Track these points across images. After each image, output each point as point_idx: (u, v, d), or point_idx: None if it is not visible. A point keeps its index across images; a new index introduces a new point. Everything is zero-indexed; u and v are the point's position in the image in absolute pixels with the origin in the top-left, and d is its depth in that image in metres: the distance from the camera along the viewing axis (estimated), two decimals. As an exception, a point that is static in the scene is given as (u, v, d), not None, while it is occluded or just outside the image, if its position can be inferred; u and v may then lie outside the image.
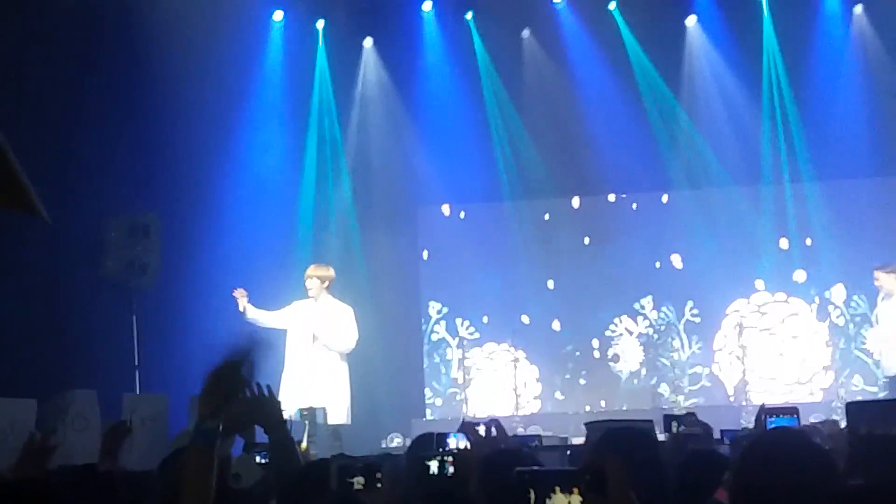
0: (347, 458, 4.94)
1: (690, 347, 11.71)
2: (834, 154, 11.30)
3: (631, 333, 11.78)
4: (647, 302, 11.80)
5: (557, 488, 1.89)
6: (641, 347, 11.77)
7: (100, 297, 10.06)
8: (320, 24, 11.76)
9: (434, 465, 3.26)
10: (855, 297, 11.35)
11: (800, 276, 11.57)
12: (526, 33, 11.94)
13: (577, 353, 11.78)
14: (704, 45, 11.76)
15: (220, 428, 2.46)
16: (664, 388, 11.57)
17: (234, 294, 9.41)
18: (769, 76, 11.58)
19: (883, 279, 10.01)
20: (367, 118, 12.00)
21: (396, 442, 10.20)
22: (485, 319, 11.96)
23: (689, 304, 11.69)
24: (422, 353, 12.01)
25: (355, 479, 3.62)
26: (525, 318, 11.88)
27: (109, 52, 10.54)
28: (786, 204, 11.60)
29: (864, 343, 11.16)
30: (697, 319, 11.68)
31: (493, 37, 11.79)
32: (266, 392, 3.74)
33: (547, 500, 1.90)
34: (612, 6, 11.64)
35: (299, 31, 11.73)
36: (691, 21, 11.80)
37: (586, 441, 5.66)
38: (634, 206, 11.97)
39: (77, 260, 9.98)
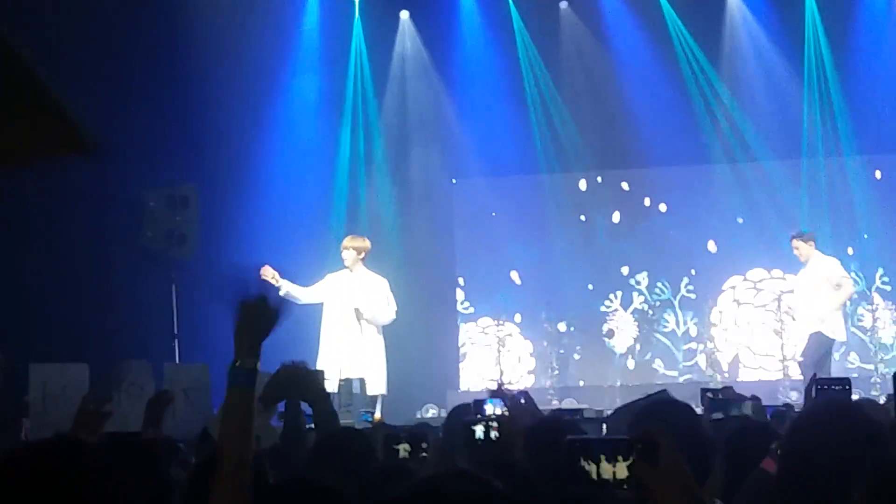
0: (392, 427, 5.01)
1: (685, 324, 11.65)
2: (875, 128, 11.19)
3: (626, 309, 11.74)
4: (643, 277, 11.75)
5: (603, 457, 1.91)
6: (636, 323, 11.72)
7: (140, 267, 10.18)
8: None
9: (479, 431, 3.30)
10: (852, 274, 11.29)
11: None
12: (564, 5, 11.87)
13: (572, 329, 11.76)
14: (745, 18, 11.63)
15: (258, 367, 2.39)
16: (658, 364, 11.54)
17: (263, 275, 9.38)
18: (810, 50, 11.44)
19: (802, 248, 9.89)
20: (404, 90, 12.00)
21: (431, 413, 10.26)
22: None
23: (685, 280, 11.63)
24: (456, 325, 12.06)
25: (401, 447, 3.67)
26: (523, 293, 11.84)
27: (150, 25, 10.60)
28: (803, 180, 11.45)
29: (860, 320, 11.09)
30: (693, 296, 11.63)
31: (530, 9, 11.73)
32: (305, 366, 3.77)
33: (597, 468, 1.92)
34: (652, -23, 11.55)
35: (336, 3, 11.73)
36: (733, -5, 11.68)
37: (616, 413, 5.68)
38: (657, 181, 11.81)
39: (118, 231, 10.09)
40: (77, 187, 9.15)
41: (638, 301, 11.79)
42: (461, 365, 11.80)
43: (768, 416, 5.15)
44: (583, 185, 12.02)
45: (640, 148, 11.60)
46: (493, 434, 3.33)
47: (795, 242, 9.87)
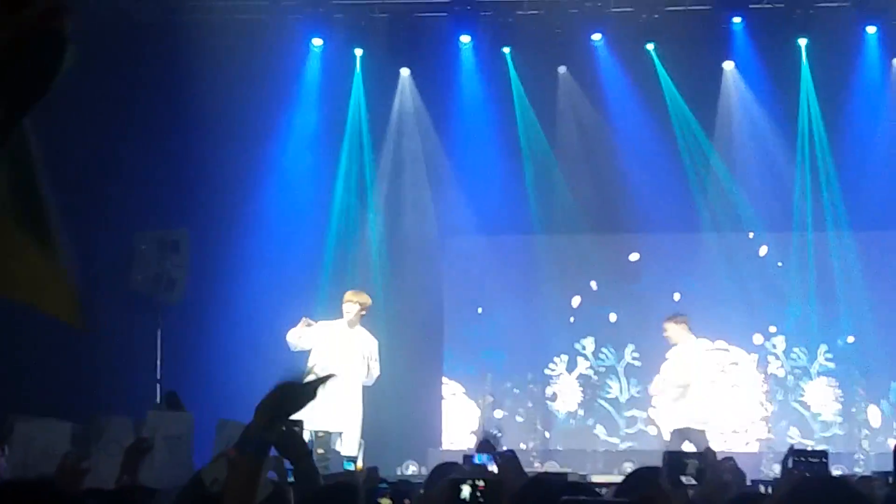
0: (374, 477, 4.93)
1: (629, 390, 11.62)
2: (866, 206, 11.28)
3: (570, 373, 11.72)
4: (589, 342, 11.75)
5: None
6: (580, 388, 11.68)
7: (127, 311, 10.11)
8: (358, 52, 11.84)
9: (466, 490, 3.23)
10: (795, 349, 11.31)
11: (742, 326, 11.51)
12: (562, 69, 11.98)
13: (516, 391, 11.73)
14: (741, 90, 11.76)
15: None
16: (600, 430, 11.48)
17: (302, 325, 9.37)
18: (805, 125, 11.56)
19: (671, 330, 9.93)
20: (401, 146, 12.05)
21: (412, 469, 10.16)
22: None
23: (631, 347, 11.65)
24: (440, 383, 11.98)
25: (382, 501, 3.61)
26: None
27: (151, 71, 10.67)
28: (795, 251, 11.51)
29: (801, 395, 11.15)
30: (638, 363, 11.63)
31: (529, 72, 11.83)
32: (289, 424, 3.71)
33: None
34: (649, 46, 11.66)
35: (337, 59, 11.80)
36: (729, 65, 11.81)
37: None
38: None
39: (107, 273, 10.04)
40: (64, 226, 9.10)
41: (583, 366, 11.77)
42: (443, 423, 11.69)
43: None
44: (567, 246, 12.03)
45: (631, 213, 11.64)
46: (479, 493, 3.28)
47: (666, 325, 9.87)
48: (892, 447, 2.13)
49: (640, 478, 3.86)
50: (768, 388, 11.52)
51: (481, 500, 3.22)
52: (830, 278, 11.43)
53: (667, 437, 10.25)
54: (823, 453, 3.85)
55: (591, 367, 11.83)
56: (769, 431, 11.34)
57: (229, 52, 10.85)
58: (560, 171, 11.86)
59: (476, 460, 5.09)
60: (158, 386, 10.02)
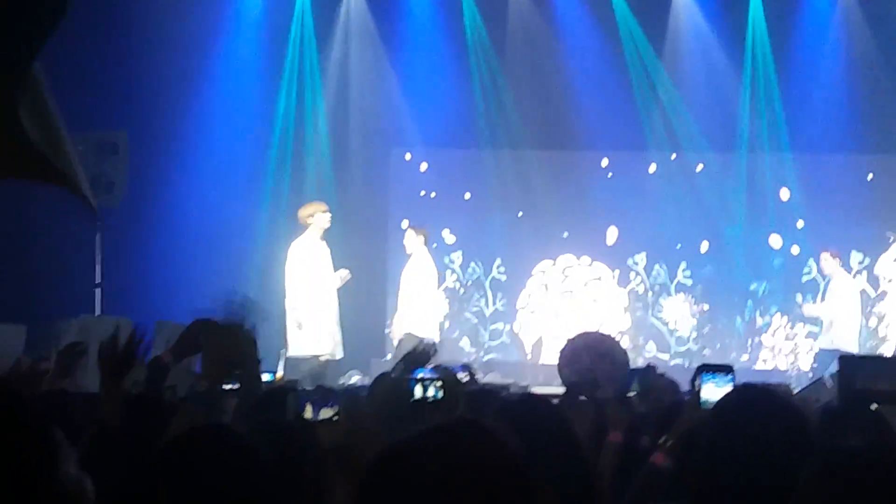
0: (298, 388, 4.92)
1: (494, 304, 11.75)
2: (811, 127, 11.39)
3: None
4: (457, 256, 11.85)
5: None
6: (447, 301, 11.80)
7: (65, 214, 9.91)
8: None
9: (419, 390, 3.21)
10: (656, 266, 11.52)
11: (610, 239, 11.73)
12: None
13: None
14: (690, 10, 11.71)
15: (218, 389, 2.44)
16: (465, 342, 11.63)
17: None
18: (751, 45, 11.57)
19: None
20: (348, 56, 11.82)
21: (355, 379, 10.19)
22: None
23: (497, 260, 11.78)
24: (384, 293, 11.99)
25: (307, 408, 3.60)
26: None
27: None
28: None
29: (660, 311, 11.41)
30: (503, 277, 11.78)
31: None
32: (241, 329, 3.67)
33: None
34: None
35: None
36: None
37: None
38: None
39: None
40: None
41: (451, 279, 11.86)
42: (387, 335, 11.72)
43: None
44: (508, 161, 12.00)
45: (578, 131, 11.63)
46: (439, 394, 3.25)
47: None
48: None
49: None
50: (628, 304, 11.73)
51: (438, 398, 3.18)
52: (759, 198, 11.56)
53: (528, 349, 10.66)
54: (729, 367, 3.87)
55: (458, 281, 11.87)
56: (629, 344, 11.58)
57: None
58: (509, 88, 11.77)
59: (419, 372, 5.07)
60: (99, 290, 9.87)
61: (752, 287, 11.57)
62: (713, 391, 2.83)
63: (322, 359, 9.33)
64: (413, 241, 9.82)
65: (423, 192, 12.08)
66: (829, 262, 10.29)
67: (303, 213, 9.54)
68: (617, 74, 11.62)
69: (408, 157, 12.14)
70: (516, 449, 1.53)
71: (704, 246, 11.73)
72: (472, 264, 11.90)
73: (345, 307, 10.94)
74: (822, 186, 11.65)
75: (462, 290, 11.83)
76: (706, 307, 11.69)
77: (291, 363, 9.14)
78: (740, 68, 11.61)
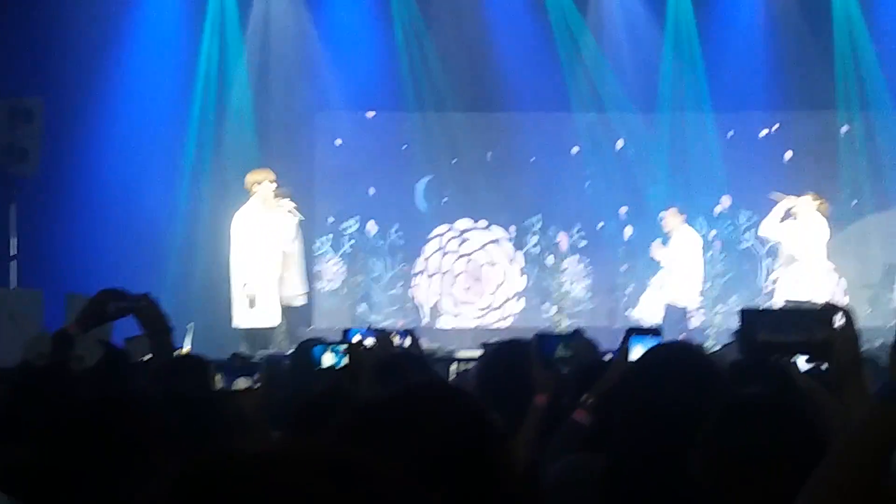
0: (239, 357, 4.88)
1: (393, 268, 11.88)
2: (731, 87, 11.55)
3: (336, 252, 11.85)
4: (354, 221, 11.89)
5: None
6: (345, 266, 11.84)
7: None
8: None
9: (328, 358, 3.22)
10: (552, 228, 11.68)
11: (501, 204, 11.83)
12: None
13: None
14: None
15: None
16: (364, 307, 11.75)
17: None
18: (675, 5, 11.67)
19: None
20: (269, 18, 11.64)
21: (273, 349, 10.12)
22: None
23: (395, 225, 11.84)
24: (311, 261, 11.91)
25: (217, 377, 3.58)
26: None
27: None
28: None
29: (558, 273, 11.67)
30: (402, 241, 11.89)
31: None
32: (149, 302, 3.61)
33: None
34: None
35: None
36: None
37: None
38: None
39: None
40: None
41: (348, 245, 11.91)
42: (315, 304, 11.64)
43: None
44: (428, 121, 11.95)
45: (503, 92, 11.65)
46: (342, 360, 3.27)
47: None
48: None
49: (510, 352, 3.86)
50: (523, 266, 11.88)
51: (340, 366, 3.20)
52: (681, 158, 11.73)
53: (426, 313, 10.80)
54: (657, 330, 3.92)
55: (354, 246, 11.86)
56: (525, 305, 11.74)
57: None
58: (434, 48, 11.71)
59: (352, 334, 5.03)
60: (15, 262, 9.65)
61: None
62: (641, 353, 2.87)
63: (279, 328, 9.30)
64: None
65: (340, 158, 11.98)
66: (673, 218, 10.40)
67: (249, 179, 9.39)
68: (542, 35, 11.63)
69: (321, 118, 12.01)
70: (476, 405, 1.58)
71: (623, 210, 11.82)
72: (368, 226, 11.83)
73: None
74: (739, 145, 11.86)
75: (359, 256, 11.73)
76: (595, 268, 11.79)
77: (248, 335, 9.08)
78: (662, 28, 11.71)
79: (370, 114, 11.98)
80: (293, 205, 9.49)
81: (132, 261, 9.61)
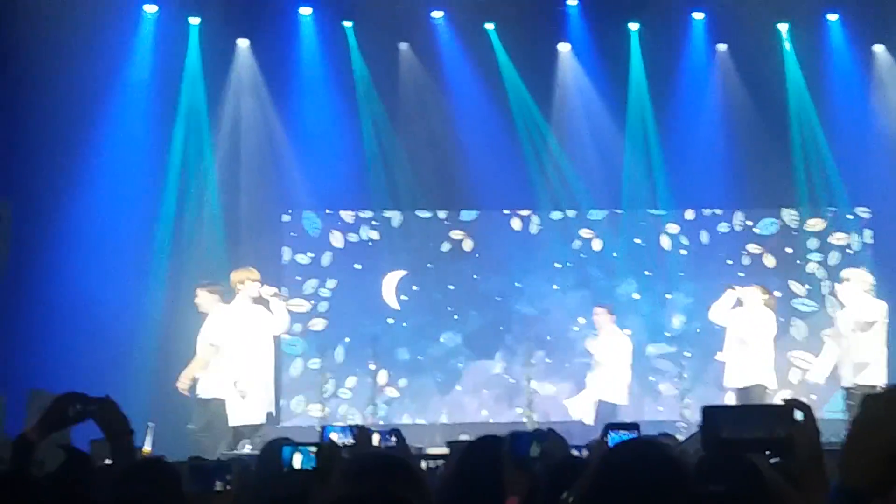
0: (199, 458, 4.81)
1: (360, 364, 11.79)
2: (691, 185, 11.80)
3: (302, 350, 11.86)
4: (320, 321, 11.91)
5: None
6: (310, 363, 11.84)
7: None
8: (195, 20, 11.50)
9: (298, 460, 3.19)
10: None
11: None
12: (404, 46, 11.98)
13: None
14: (575, 72, 12.06)
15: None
16: (331, 404, 11.61)
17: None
18: (635, 107, 11.96)
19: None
20: (239, 120, 11.78)
21: (248, 448, 10.00)
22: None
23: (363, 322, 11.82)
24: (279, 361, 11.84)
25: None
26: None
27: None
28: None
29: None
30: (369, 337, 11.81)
31: (370, 47, 11.78)
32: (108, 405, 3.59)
33: None
34: (489, 26, 11.81)
35: (172, 27, 11.43)
36: (564, 47, 12.09)
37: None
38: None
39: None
40: None
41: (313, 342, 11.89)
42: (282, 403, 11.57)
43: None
44: (396, 221, 12.09)
45: (470, 190, 11.81)
46: (311, 462, 3.23)
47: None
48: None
49: (482, 452, 3.82)
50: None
51: (309, 467, 3.16)
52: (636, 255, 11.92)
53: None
54: (636, 425, 3.95)
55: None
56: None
57: (58, 16, 10.37)
58: (401, 148, 11.88)
59: (329, 432, 4.97)
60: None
61: None
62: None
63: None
64: (208, 300, 9.51)
65: (309, 254, 12.04)
66: (601, 316, 10.63)
67: (234, 278, 9.43)
68: (506, 134, 11.86)
69: (289, 218, 12.07)
70: None
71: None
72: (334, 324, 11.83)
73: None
74: (698, 241, 12.07)
75: (327, 353, 11.66)
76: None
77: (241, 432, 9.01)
78: (623, 127, 11.98)
79: (341, 213, 12.08)
80: (274, 290, 9.56)
81: (96, 361, 9.55)
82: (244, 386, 9.16)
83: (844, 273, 9.92)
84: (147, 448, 7.71)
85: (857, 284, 9.63)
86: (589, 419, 10.51)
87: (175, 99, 11.44)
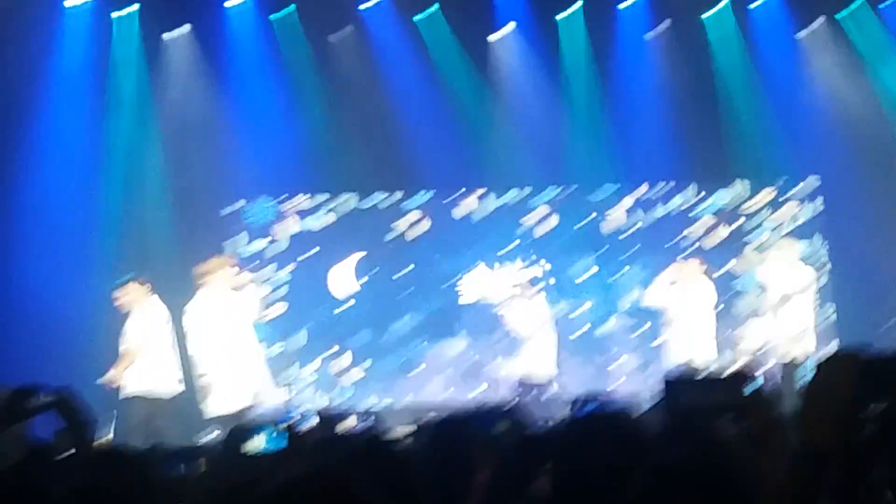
0: (164, 446, 4.80)
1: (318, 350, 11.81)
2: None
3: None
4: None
5: None
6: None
7: None
8: (131, 7, 11.29)
9: (266, 441, 3.18)
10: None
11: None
12: (348, 30, 11.89)
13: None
14: (521, 48, 12.05)
15: None
16: (291, 388, 11.61)
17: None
18: (581, 81, 11.99)
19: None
20: (174, 109, 11.58)
21: (217, 433, 9.95)
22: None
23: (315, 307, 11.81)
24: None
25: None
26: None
27: None
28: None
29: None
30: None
31: (305, 33, 11.69)
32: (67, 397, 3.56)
33: None
34: (430, 5, 11.78)
35: (100, 18, 11.22)
36: (508, 25, 12.06)
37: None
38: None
39: None
40: None
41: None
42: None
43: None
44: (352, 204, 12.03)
45: (425, 172, 11.80)
46: (282, 442, 3.24)
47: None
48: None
49: (449, 430, 3.84)
50: None
51: (279, 448, 3.16)
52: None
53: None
54: (605, 397, 3.99)
55: None
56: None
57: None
58: (356, 132, 11.82)
59: (291, 416, 4.96)
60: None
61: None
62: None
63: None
64: (138, 293, 9.24)
65: (266, 240, 11.97)
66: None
67: (210, 265, 9.28)
68: (457, 114, 11.84)
69: (245, 204, 11.99)
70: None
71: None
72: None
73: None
74: (652, 215, 12.16)
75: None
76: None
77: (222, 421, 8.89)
78: (571, 103, 12.01)
79: (297, 197, 12.02)
80: (250, 276, 9.50)
81: (54, 352, 9.44)
82: (221, 375, 9.03)
83: (774, 244, 9.97)
84: (109, 437, 7.66)
85: (786, 253, 9.70)
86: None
87: (115, 89, 11.25)
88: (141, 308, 9.09)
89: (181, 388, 9.10)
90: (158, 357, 8.99)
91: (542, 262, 12.12)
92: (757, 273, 9.66)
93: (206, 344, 9.03)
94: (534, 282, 10.87)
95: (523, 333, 10.57)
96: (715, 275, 10.41)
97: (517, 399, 9.55)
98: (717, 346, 10.23)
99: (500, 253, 12.09)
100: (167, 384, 9.02)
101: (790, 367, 9.27)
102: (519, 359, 10.61)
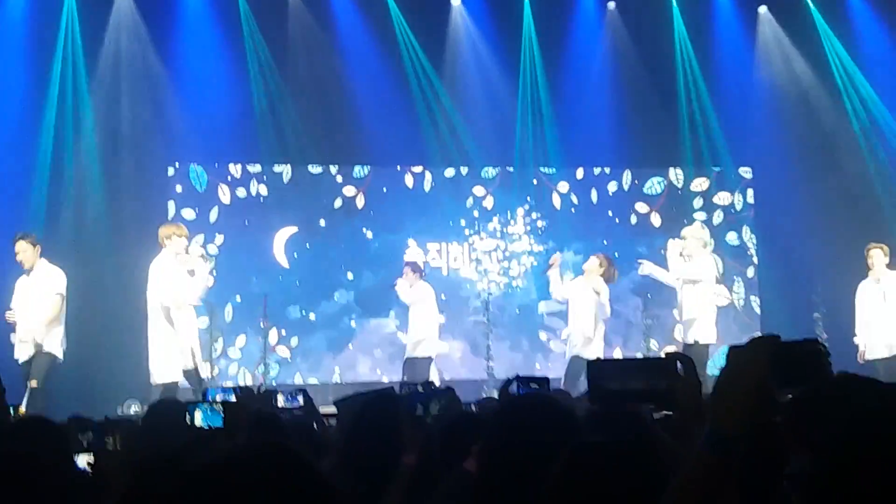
0: (83, 418, 4.70)
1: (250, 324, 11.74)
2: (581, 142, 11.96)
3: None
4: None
5: None
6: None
7: None
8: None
9: (199, 416, 3.15)
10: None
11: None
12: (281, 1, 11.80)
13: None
14: (468, 27, 12.07)
15: None
16: (222, 363, 11.60)
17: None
18: (527, 63, 12.04)
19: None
20: (119, 70, 11.40)
21: (134, 409, 9.82)
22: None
23: (253, 279, 11.76)
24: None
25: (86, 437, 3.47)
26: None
27: None
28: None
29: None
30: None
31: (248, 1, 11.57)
32: None
33: None
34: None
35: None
36: (456, 2, 12.08)
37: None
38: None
39: None
40: None
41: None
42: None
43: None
44: (286, 176, 11.93)
45: (363, 146, 11.73)
46: (218, 419, 3.21)
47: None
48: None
49: (377, 410, 3.83)
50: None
51: (215, 425, 3.13)
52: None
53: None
54: (545, 379, 4.02)
55: None
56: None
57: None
58: (292, 102, 11.71)
59: (212, 393, 4.93)
60: None
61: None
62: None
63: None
64: (30, 252, 9.00)
65: (195, 209, 11.80)
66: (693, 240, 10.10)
67: (161, 232, 9.12)
68: (398, 90, 11.80)
69: (174, 171, 11.80)
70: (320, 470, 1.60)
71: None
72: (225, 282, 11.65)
73: (114, 331, 10.56)
74: (588, 200, 12.27)
75: (216, 312, 11.45)
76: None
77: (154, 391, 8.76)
78: (516, 84, 12.05)
79: (229, 166, 11.87)
80: (201, 251, 9.38)
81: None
82: (163, 344, 8.92)
83: (683, 231, 10.06)
84: (23, 409, 7.50)
85: (692, 242, 9.82)
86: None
87: (52, 48, 11.00)
88: (31, 268, 8.91)
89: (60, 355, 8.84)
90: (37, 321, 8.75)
91: (476, 241, 12.16)
92: (671, 260, 9.74)
93: (160, 308, 8.91)
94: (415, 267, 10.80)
95: (425, 310, 10.54)
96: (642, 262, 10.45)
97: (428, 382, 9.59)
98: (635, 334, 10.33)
99: (433, 231, 12.09)
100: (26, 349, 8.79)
101: (703, 353, 9.42)
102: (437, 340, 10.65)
